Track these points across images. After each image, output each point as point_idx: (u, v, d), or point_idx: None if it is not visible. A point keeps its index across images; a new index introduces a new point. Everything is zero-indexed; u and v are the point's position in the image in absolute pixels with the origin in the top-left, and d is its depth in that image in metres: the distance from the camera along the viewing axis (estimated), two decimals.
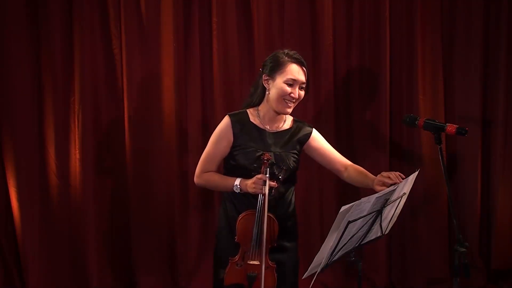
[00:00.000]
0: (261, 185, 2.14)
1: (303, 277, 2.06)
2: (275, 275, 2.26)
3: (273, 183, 2.16)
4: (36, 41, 3.37)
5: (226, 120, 2.33)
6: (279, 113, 2.34)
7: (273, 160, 2.23)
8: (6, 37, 3.33)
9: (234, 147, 2.32)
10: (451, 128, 2.20)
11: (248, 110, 2.38)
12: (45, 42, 3.37)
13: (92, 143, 3.46)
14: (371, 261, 3.63)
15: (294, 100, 2.30)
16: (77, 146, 3.43)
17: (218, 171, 2.40)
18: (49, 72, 3.39)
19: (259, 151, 2.28)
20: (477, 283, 3.61)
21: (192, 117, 3.53)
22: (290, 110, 2.33)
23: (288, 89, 2.27)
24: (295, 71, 2.28)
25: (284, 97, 2.28)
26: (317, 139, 2.48)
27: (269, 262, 2.25)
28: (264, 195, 2.13)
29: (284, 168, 2.21)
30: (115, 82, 3.47)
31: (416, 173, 2.25)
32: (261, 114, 2.37)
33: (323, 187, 3.63)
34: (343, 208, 1.85)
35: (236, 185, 2.25)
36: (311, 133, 2.45)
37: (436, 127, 2.25)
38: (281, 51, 2.33)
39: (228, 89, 3.50)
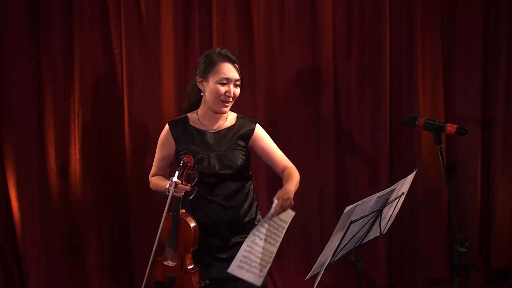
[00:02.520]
0: (173, 186, 2.15)
1: (306, 278, 2.06)
2: (196, 282, 2.22)
3: (186, 186, 2.17)
4: (36, 41, 3.37)
5: (166, 127, 2.39)
6: (217, 113, 2.34)
7: (191, 163, 2.19)
8: (6, 37, 3.33)
9: (178, 151, 2.36)
10: (451, 128, 2.20)
11: (188, 115, 2.41)
12: (45, 42, 3.37)
13: (92, 143, 3.46)
14: (371, 261, 3.63)
15: (230, 99, 2.29)
16: (77, 146, 3.43)
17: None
18: (49, 72, 3.39)
19: (201, 153, 2.30)
20: (477, 283, 3.61)
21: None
22: (227, 109, 2.34)
23: (222, 88, 2.26)
24: (227, 70, 2.27)
25: (219, 98, 2.27)
26: (261, 136, 2.42)
27: (187, 266, 2.23)
28: (168, 196, 2.17)
29: (196, 171, 2.20)
30: (115, 82, 3.47)
31: (414, 173, 2.26)
32: (200, 116, 2.38)
33: (323, 187, 3.63)
34: (348, 208, 1.85)
35: (167, 187, 2.23)
36: (254, 129, 2.41)
37: (436, 127, 2.25)
38: (213, 50, 2.34)
39: None
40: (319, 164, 3.61)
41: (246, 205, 2.41)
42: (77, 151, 3.43)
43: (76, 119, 3.42)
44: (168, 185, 2.21)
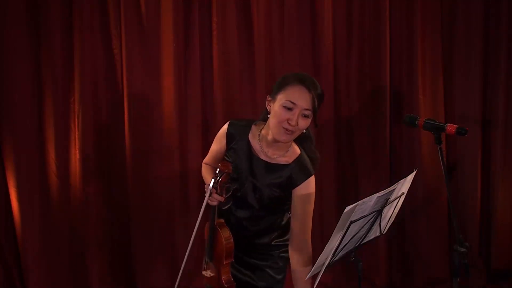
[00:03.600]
0: (208, 193, 1.99)
1: (306, 278, 2.06)
2: None
3: (219, 197, 2.01)
4: (36, 41, 3.36)
5: (224, 126, 2.21)
6: (276, 141, 2.05)
7: (228, 171, 2.01)
8: (6, 37, 3.32)
9: (226, 154, 2.22)
10: (451, 128, 2.20)
11: (253, 125, 2.17)
12: (45, 42, 3.37)
13: (92, 143, 3.45)
14: (371, 261, 3.63)
15: (291, 129, 1.96)
16: (77, 146, 3.43)
17: None
18: (49, 72, 3.39)
19: (240, 170, 2.11)
20: (477, 283, 3.62)
21: (192, 117, 3.53)
22: (287, 139, 2.01)
23: (286, 114, 1.95)
24: (297, 93, 1.95)
25: (280, 122, 1.96)
26: (302, 192, 2.11)
27: (222, 279, 2.09)
28: (210, 204, 2.05)
29: (233, 187, 2.05)
30: (115, 82, 3.47)
31: (414, 173, 2.26)
32: (262, 135, 2.12)
33: (323, 187, 3.63)
34: (348, 208, 1.85)
35: (209, 184, 2.05)
36: (302, 181, 2.11)
37: (436, 127, 2.25)
38: (293, 73, 2.07)
39: (228, 89, 3.50)
40: (319, 164, 3.60)
41: (275, 234, 2.23)
42: (77, 151, 3.43)
43: (76, 119, 3.42)
44: (206, 186, 2.06)
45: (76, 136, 3.42)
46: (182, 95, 3.51)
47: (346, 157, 3.67)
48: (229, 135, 2.16)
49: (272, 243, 2.23)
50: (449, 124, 2.22)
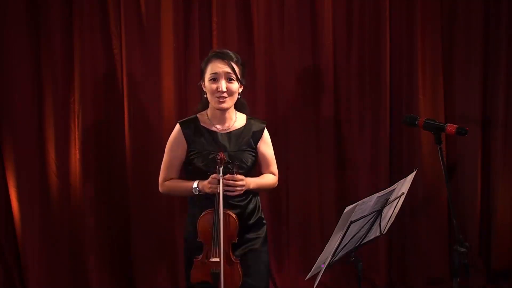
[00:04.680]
0: (216, 184, 2.20)
1: (306, 278, 2.07)
2: (240, 270, 2.31)
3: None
4: (36, 41, 3.36)
5: (177, 127, 2.42)
6: (220, 110, 2.38)
7: (227, 159, 2.26)
8: (6, 37, 3.32)
9: (189, 152, 2.39)
10: (451, 128, 2.20)
11: (197, 115, 2.45)
12: (45, 42, 3.37)
13: (92, 143, 3.45)
14: (371, 261, 3.63)
15: (224, 94, 2.32)
16: (77, 146, 3.43)
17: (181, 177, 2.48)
18: (49, 72, 3.39)
19: (213, 153, 2.32)
20: (477, 283, 3.61)
21: None
22: (226, 105, 2.35)
23: (214, 85, 2.32)
24: (214, 66, 2.32)
25: (213, 94, 2.33)
26: (266, 142, 2.50)
27: (232, 258, 2.31)
28: (219, 194, 2.18)
29: (237, 163, 2.28)
30: (115, 82, 3.46)
31: (414, 173, 2.26)
32: (210, 116, 2.43)
33: (322, 187, 3.63)
34: (348, 208, 1.85)
35: (195, 187, 2.32)
36: (263, 131, 2.48)
37: (436, 127, 2.26)
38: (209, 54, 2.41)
39: None
40: (319, 163, 3.61)
41: (251, 206, 2.44)
42: (77, 151, 3.43)
43: (76, 119, 3.41)
44: (195, 185, 2.30)
45: (76, 136, 3.42)
46: (182, 95, 3.51)
47: (346, 157, 3.66)
48: (186, 134, 2.39)
49: (252, 220, 2.45)
50: (449, 124, 2.23)
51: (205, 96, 2.40)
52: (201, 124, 2.41)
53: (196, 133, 2.39)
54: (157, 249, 3.55)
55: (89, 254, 3.48)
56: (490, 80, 3.61)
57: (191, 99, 3.52)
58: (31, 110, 3.39)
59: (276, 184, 2.57)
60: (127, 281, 3.56)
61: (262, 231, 2.48)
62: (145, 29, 3.44)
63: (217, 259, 2.23)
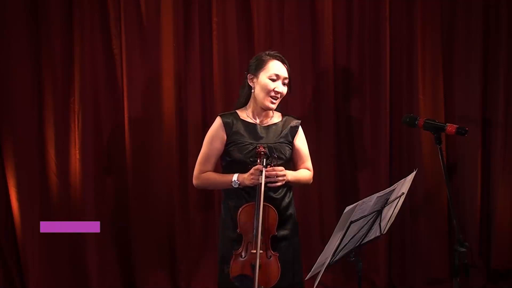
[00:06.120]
0: (258, 175, 2.23)
1: (306, 278, 2.07)
2: (279, 263, 2.31)
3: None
4: (36, 41, 3.36)
5: (217, 120, 2.45)
6: (265, 109, 2.44)
7: (267, 151, 2.31)
8: (6, 37, 3.33)
9: (228, 144, 2.41)
10: (451, 128, 2.20)
11: (237, 111, 2.49)
12: (45, 42, 3.37)
13: (92, 143, 3.45)
14: (371, 261, 3.63)
15: (278, 95, 2.40)
16: (77, 146, 3.43)
17: (217, 170, 2.46)
18: (49, 72, 3.39)
19: (252, 144, 2.37)
20: (477, 283, 3.61)
21: (192, 117, 3.53)
22: (274, 106, 2.42)
23: (272, 84, 2.37)
24: (277, 67, 2.39)
25: (268, 93, 2.38)
26: (301, 137, 2.55)
27: (272, 251, 2.31)
28: (261, 184, 2.20)
29: (276, 155, 2.31)
30: (115, 82, 3.47)
31: (414, 173, 2.26)
32: (250, 110, 2.47)
33: (323, 187, 3.63)
34: (348, 208, 1.86)
35: (234, 180, 2.34)
36: (299, 125, 2.53)
37: (436, 127, 2.25)
38: (263, 52, 2.47)
39: (228, 89, 3.50)
40: (319, 163, 3.60)
41: (287, 199, 2.46)
42: (77, 151, 3.43)
43: (76, 119, 3.41)
44: (235, 178, 2.32)
45: (76, 136, 3.42)
46: (182, 95, 3.51)
47: (346, 157, 3.66)
48: (226, 124, 2.42)
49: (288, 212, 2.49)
50: (449, 124, 2.22)
51: (252, 90, 2.43)
52: (241, 117, 2.45)
53: (235, 124, 2.42)
54: (156, 249, 3.55)
55: (89, 254, 3.48)
56: (490, 80, 3.61)
57: (191, 99, 3.53)
58: (31, 110, 3.39)
59: (311, 181, 2.59)
60: (127, 281, 3.56)
61: (294, 227, 2.50)
62: (145, 29, 3.44)
63: (255, 251, 2.21)
